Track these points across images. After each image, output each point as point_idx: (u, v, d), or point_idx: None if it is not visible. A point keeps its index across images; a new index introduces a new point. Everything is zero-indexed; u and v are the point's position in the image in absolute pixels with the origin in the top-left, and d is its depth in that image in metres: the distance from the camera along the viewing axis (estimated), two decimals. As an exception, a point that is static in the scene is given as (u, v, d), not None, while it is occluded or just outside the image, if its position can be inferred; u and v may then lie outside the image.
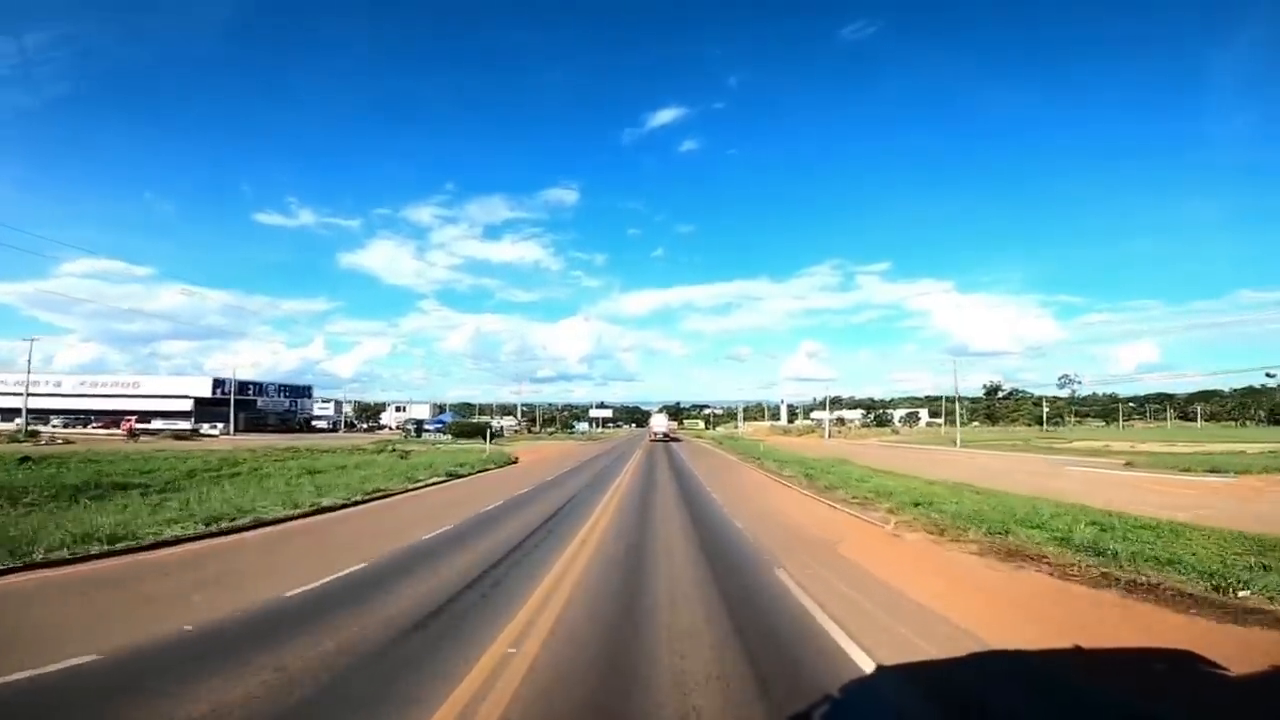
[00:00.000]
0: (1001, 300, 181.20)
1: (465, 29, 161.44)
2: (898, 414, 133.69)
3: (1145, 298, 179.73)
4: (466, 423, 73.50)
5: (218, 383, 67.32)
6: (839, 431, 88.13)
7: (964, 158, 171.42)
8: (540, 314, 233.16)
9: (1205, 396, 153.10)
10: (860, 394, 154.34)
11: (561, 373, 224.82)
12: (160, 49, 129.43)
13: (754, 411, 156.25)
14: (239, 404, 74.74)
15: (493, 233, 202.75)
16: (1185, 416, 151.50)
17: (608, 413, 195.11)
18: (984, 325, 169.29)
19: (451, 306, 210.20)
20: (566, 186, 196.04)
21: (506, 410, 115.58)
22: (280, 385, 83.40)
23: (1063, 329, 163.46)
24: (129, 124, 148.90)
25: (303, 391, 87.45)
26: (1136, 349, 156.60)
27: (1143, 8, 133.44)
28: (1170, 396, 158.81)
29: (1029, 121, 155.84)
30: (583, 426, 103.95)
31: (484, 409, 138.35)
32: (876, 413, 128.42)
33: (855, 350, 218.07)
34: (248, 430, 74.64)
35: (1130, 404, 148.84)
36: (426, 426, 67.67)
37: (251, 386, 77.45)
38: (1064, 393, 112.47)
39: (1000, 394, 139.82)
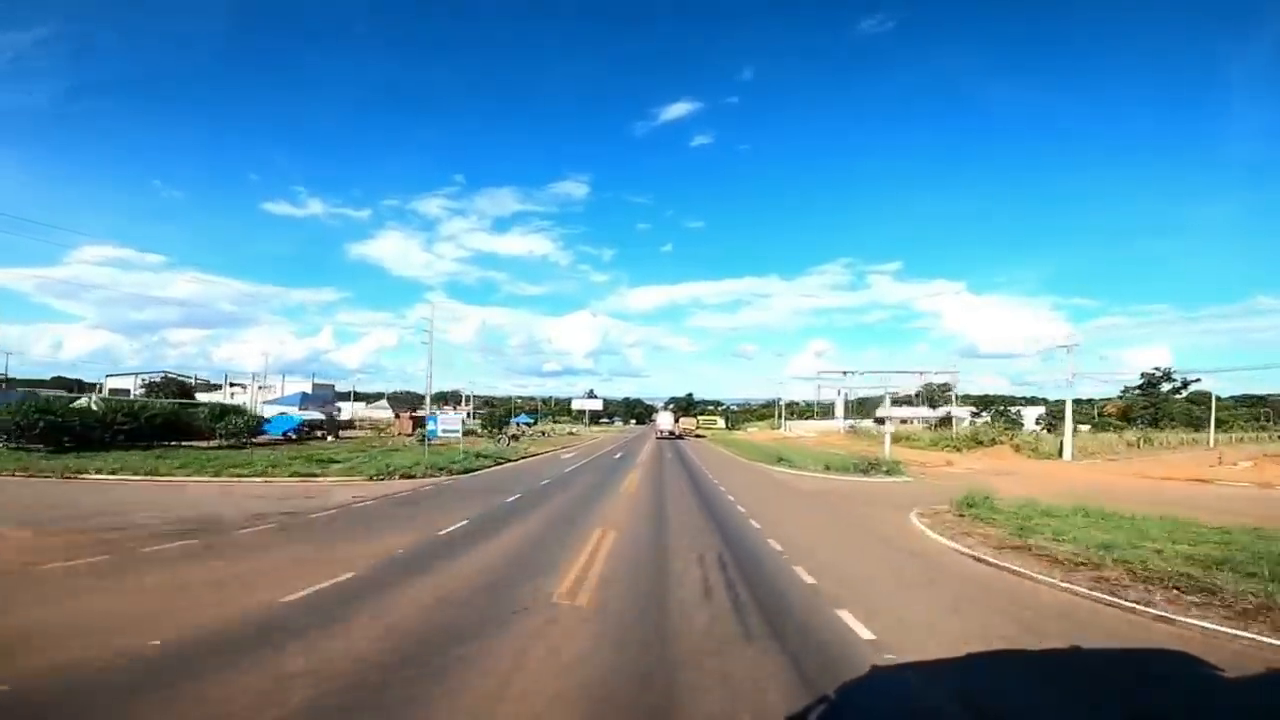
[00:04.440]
0: (1014, 302, 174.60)
1: (476, 19, 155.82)
2: (1030, 413, 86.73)
3: (1160, 301, 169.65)
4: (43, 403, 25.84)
5: None
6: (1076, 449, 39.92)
7: (980, 157, 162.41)
8: (547, 308, 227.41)
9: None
10: (864, 392, 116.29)
11: (568, 367, 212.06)
12: (168, 37, 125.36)
13: (765, 410, 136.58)
14: None
15: (501, 225, 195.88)
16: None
17: (597, 404, 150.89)
18: (995, 326, 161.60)
19: (459, 299, 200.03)
20: (576, 180, 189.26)
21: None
22: None
23: (1076, 331, 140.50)
24: (137, 112, 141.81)
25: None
26: (1149, 353, 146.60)
27: (1161, 4, 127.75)
28: (1263, 399, 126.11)
29: (1046, 121, 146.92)
30: (435, 425, 48.43)
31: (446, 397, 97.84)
32: (995, 410, 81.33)
33: (863, 350, 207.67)
34: None
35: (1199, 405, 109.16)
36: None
37: None
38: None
39: (1168, 387, 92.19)
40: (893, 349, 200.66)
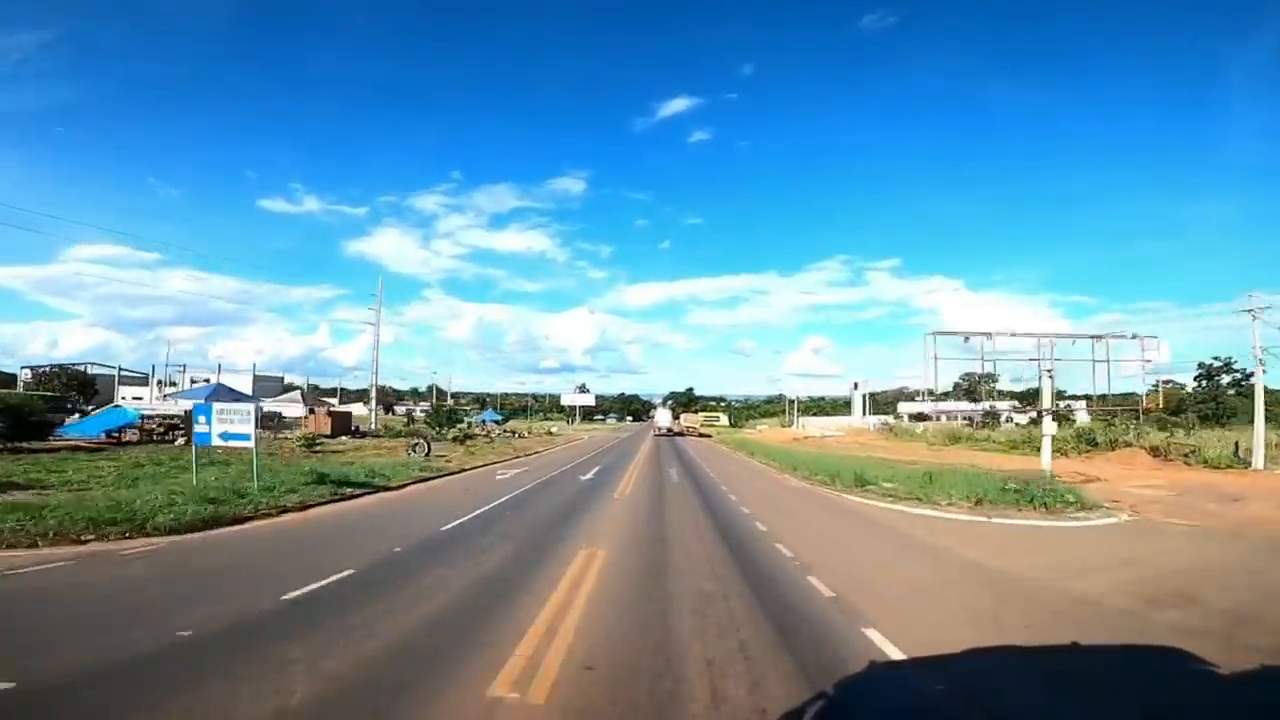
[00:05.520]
0: (1013, 299, 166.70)
1: (474, 15, 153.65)
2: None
3: (1157, 298, 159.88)
4: None
5: None
6: None
7: (979, 156, 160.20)
8: (545, 304, 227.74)
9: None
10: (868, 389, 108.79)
11: (565, 364, 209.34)
12: (165, 35, 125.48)
13: (769, 406, 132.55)
14: None
15: (499, 222, 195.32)
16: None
17: (589, 399, 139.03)
18: (993, 323, 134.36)
19: (456, 295, 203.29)
20: (574, 176, 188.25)
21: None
22: None
23: (1074, 329, 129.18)
24: (133, 109, 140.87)
25: None
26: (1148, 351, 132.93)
27: (1161, 4, 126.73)
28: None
29: (1046, 120, 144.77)
30: (210, 424, 31.81)
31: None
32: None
33: (861, 347, 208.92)
34: None
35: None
36: None
37: None
38: None
39: (1227, 379, 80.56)
40: (891, 346, 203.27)
